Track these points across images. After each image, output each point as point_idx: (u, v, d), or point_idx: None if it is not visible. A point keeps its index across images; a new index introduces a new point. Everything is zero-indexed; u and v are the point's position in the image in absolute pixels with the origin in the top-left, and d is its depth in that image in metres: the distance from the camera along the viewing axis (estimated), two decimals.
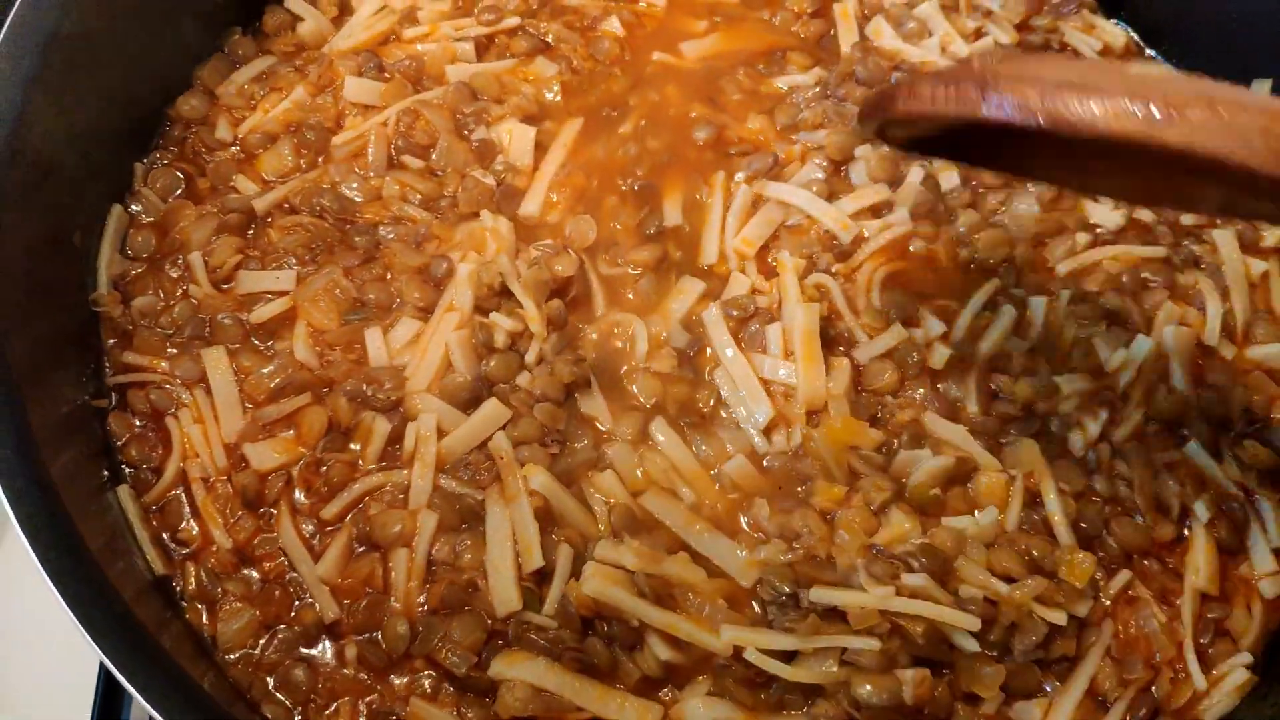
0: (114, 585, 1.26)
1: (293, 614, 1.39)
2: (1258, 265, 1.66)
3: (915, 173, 1.66)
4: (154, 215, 1.63)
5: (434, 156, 1.69)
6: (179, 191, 1.64)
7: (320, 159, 1.68)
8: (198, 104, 1.72)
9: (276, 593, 1.40)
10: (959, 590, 1.35)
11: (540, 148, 1.72)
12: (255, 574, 1.42)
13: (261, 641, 1.37)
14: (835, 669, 1.31)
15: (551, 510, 1.42)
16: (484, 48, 1.79)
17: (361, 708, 1.35)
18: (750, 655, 1.32)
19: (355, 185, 1.65)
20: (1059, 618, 1.36)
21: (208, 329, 1.55)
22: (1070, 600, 1.37)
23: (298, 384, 1.51)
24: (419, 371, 1.50)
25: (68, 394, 1.47)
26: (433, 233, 1.63)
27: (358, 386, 1.49)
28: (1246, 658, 1.41)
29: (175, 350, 1.54)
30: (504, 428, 1.46)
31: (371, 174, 1.67)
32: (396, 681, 1.36)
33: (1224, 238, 1.67)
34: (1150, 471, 1.48)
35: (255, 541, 1.44)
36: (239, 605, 1.39)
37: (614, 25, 1.83)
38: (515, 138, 1.71)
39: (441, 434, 1.46)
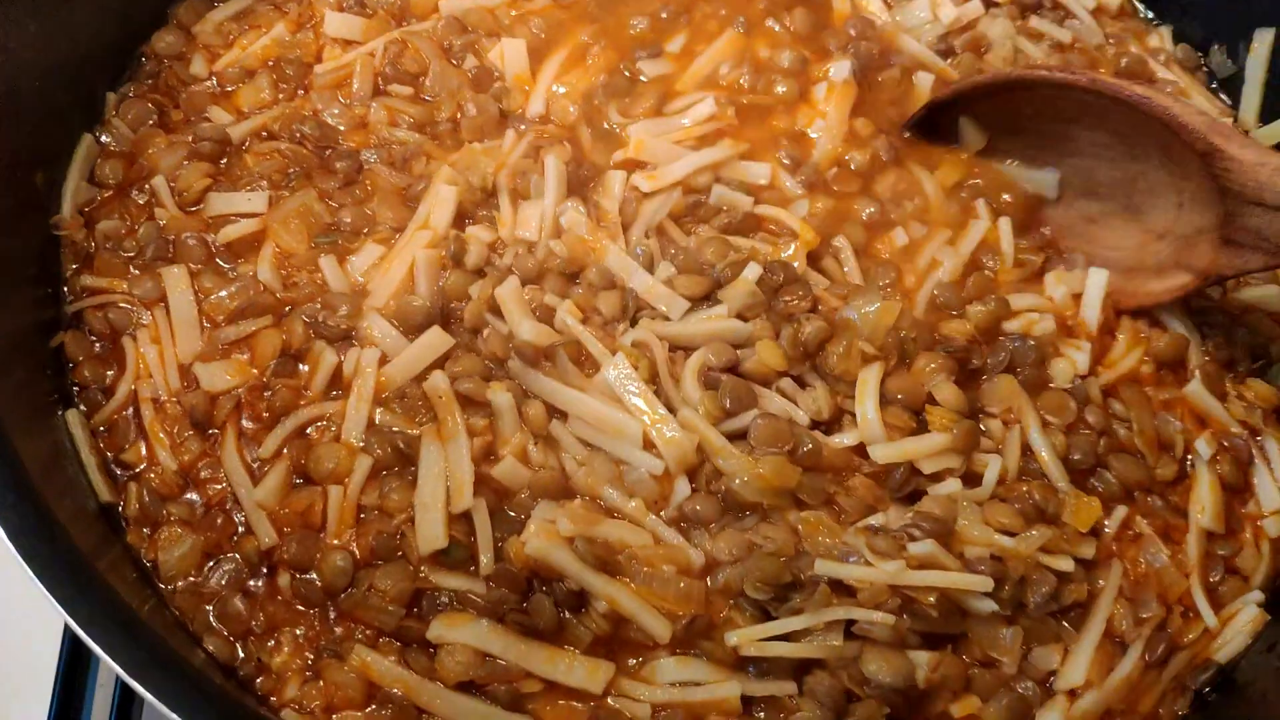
0: (53, 511, 1.13)
1: (234, 541, 1.27)
2: None
3: None
4: (123, 145, 1.49)
5: (427, 83, 1.56)
6: (151, 122, 1.51)
7: (300, 93, 1.55)
8: (173, 40, 1.58)
9: (219, 520, 1.27)
10: (964, 553, 1.23)
11: (536, 55, 1.60)
12: (198, 498, 1.29)
13: (205, 571, 1.24)
14: (840, 643, 1.17)
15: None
16: None
17: (304, 642, 1.22)
18: (750, 650, 1.18)
19: (338, 112, 1.53)
20: (1066, 564, 1.25)
21: (171, 250, 1.42)
22: (1074, 544, 1.27)
23: (259, 306, 1.37)
24: (378, 290, 1.38)
25: (20, 318, 1.34)
26: (424, 151, 1.49)
27: (314, 311, 1.36)
28: (1258, 595, 1.32)
29: (137, 272, 1.40)
30: (444, 365, 1.33)
31: (356, 103, 1.54)
32: (338, 630, 1.23)
33: None
34: (1150, 410, 1.38)
35: (199, 465, 1.31)
36: (180, 531, 1.26)
37: None
38: (508, 52, 1.59)
39: (385, 362, 1.33)
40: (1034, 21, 1.71)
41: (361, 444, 1.29)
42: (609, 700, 1.20)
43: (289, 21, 1.61)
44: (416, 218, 1.43)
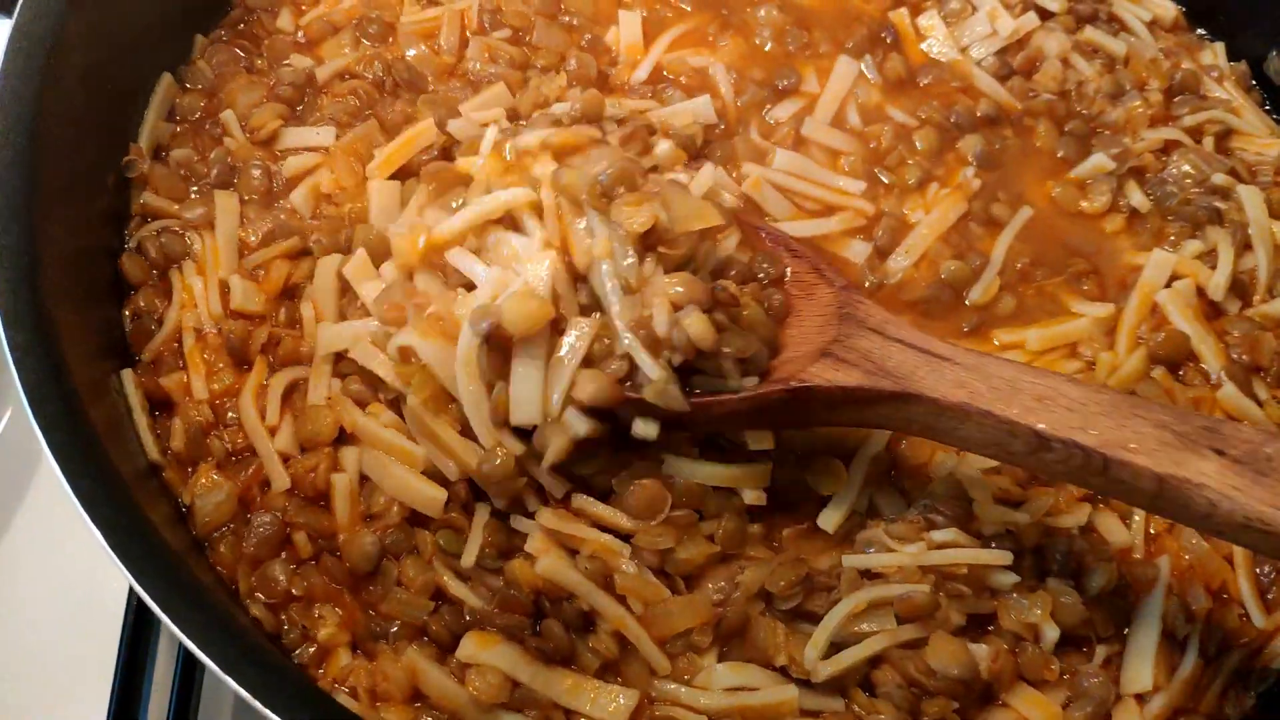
0: (121, 477, 0.99)
1: (264, 493, 1.09)
2: None
3: None
4: (205, 85, 1.33)
5: (534, 38, 1.39)
6: (235, 66, 1.35)
7: (383, 47, 1.38)
8: None
9: (250, 469, 1.10)
10: (981, 531, 1.09)
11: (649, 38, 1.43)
12: (226, 438, 1.11)
13: (242, 526, 1.07)
14: (895, 626, 1.02)
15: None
16: None
17: (344, 620, 1.04)
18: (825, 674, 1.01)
19: (426, 55, 1.36)
20: (1070, 522, 1.11)
21: (235, 178, 1.24)
22: (1071, 508, 1.13)
23: (285, 229, 1.20)
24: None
25: (88, 240, 1.19)
26: (509, 82, 1.32)
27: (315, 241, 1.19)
28: None
29: (196, 197, 1.24)
30: None
31: (445, 52, 1.37)
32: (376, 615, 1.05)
33: (1249, 194, 1.37)
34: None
35: (227, 404, 1.13)
36: (218, 478, 1.08)
37: None
38: (623, 23, 1.42)
39: None
40: (1089, 32, 1.51)
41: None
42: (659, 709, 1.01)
43: None
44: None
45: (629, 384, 1.00)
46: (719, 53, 1.45)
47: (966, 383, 0.96)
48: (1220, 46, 1.56)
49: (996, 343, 1.28)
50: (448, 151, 1.24)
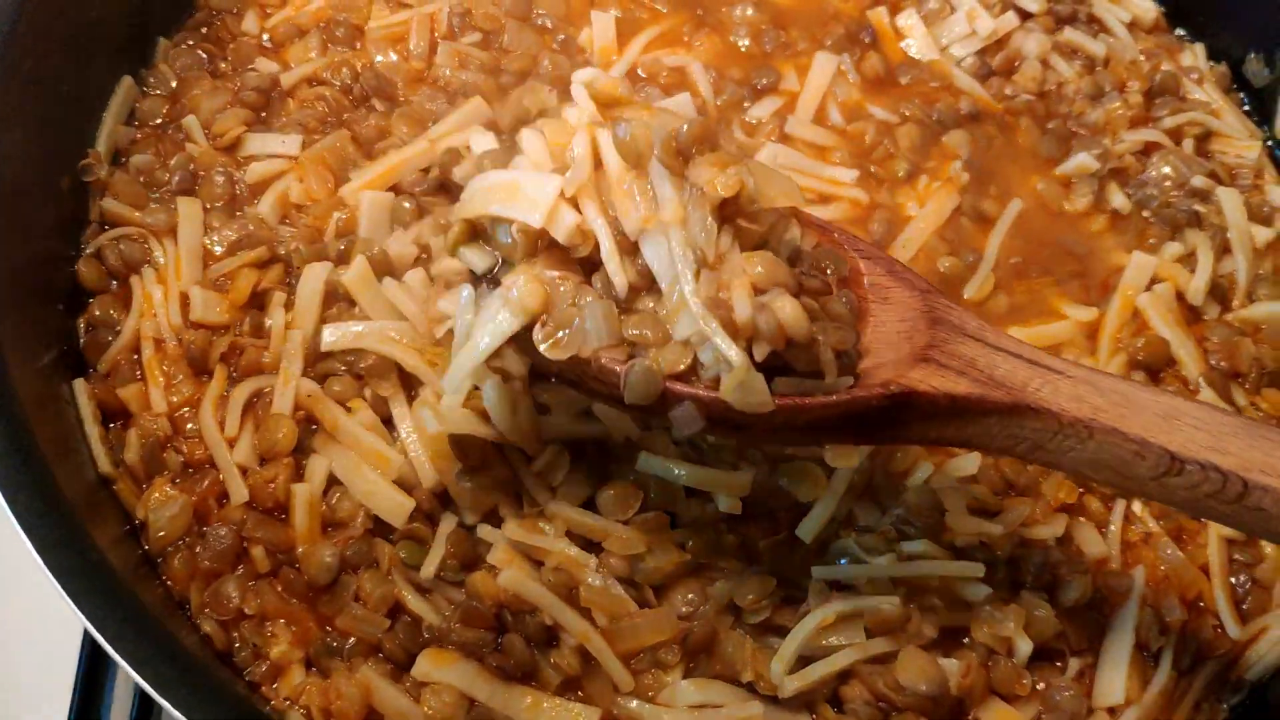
0: (58, 482, 0.95)
1: (221, 506, 1.07)
2: (1263, 233, 1.36)
3: None
4: (166, 90, 1.30)
5: (505, 40, 1.37)
6: (198, 69, 1.32)
7: (351, 53, 1.36)
8: None
9: (205, 481, 1.07)
10: (955, 542, 1.07)
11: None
12: (184, 450, 1.08)
13: (196, 539, 1.05)
14: (864, 639, 1.00)
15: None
16: None
17: (298, 636, 1.02)
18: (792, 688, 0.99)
19: (395, 61, 1.34)
20: (1046, 533, 1.10)
21: (197, 184, 1.22)
22: (1048, 519, 1.12)
23: (252, 239, 1.17)
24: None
25: (42, 248, 1.16)
26: (481, 90, 1.30)
27: (289, 250, 1.16)
28: None
29: (156, 204, 1.21)
30: None
31: (414, 58, 1.34)
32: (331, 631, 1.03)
33: (1229, 196, 1.36)
34: None
35: (185, 415, 1.10)
36: (172, 491, 1.05)
37: None
38: (596, 25, 1.40)
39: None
40: (1068, 33, 1.50)
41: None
42: None
43: None
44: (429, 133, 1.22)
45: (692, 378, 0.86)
46: (695, 51, 1.44)
47: (1084, 397, 0.86)
48: (1200, 48, 1.55)
49: None
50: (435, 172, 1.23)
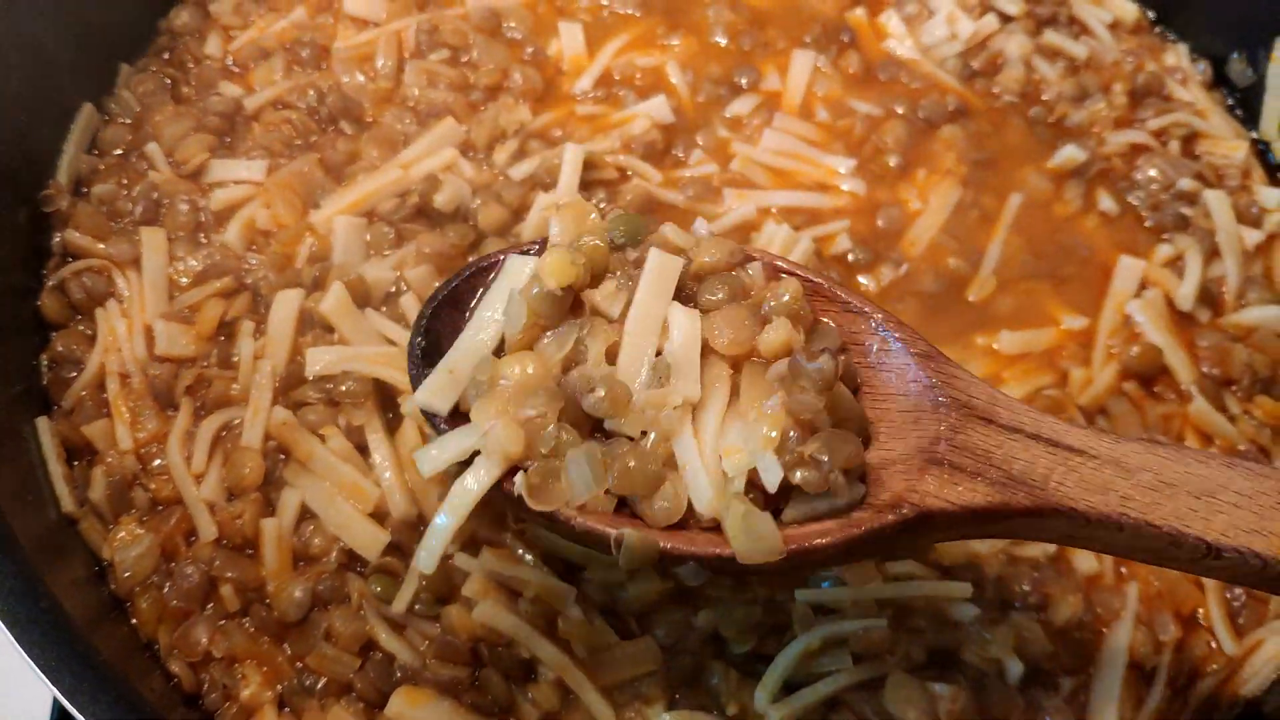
0: (12, 530, 0.95)
1: (190, 543, 1.06)
2: (1252, 235, 1.35)
3: None
4: (129, 115, 1.29)
5: (474, 55, 1.36)
6: (161, 95, 1.31)
7: (318, 71, 1.35)
8: (190, 18, 1.39)
9: (172, 518, 1.06)
10: (942, 562, 1.06)
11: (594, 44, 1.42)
12: (152, 487, 1.07)
13: (163, 578, 1.03)
14: (851, 665, 0.98)
15: None
16: None
17: (268, 676, 1.00)
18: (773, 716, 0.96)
19: (362, 83, 1.33)
20: (1039, 551, 1.08)
21: (161, 214, 1.21)
22: None
23: (219, 269, 1.17)
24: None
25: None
26: (451, 109, 1.30)
27: (257, 279, 1.16)
28: None
29: (120, 233, 1.20)
30: None
31: (381, 78, 1.33)
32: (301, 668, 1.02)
33: (1216, 199, 1.35)
34: (1137, 425, 1.19)
35: (152, 451, 1.09)
36: (139, 531, 1.04)
37: None
38: (565, 35, 1.40)
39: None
40: (1049, 36, 1.49)
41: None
42: None
43: (308, 6, 1.41)
44: (398, 158, 1.23)
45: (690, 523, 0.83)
46: (671, 52, 1.44)
47: (1111, 484, 0.80)
48: (1183, 48, 1.54)
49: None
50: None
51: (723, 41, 1.46)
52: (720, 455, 0.81)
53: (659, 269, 0.86)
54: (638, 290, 0.85)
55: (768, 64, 1.44)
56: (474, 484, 0.82)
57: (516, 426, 0.81)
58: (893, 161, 1.36)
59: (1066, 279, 1.32)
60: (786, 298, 0.86)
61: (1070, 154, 1.39)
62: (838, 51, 1.48)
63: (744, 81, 1.42)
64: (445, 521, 0.83)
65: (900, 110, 1.41)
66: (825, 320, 0.91)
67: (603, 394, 0.80)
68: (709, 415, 0.83)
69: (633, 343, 0.84)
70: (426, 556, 0.84)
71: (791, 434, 0.81)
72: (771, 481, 0.79)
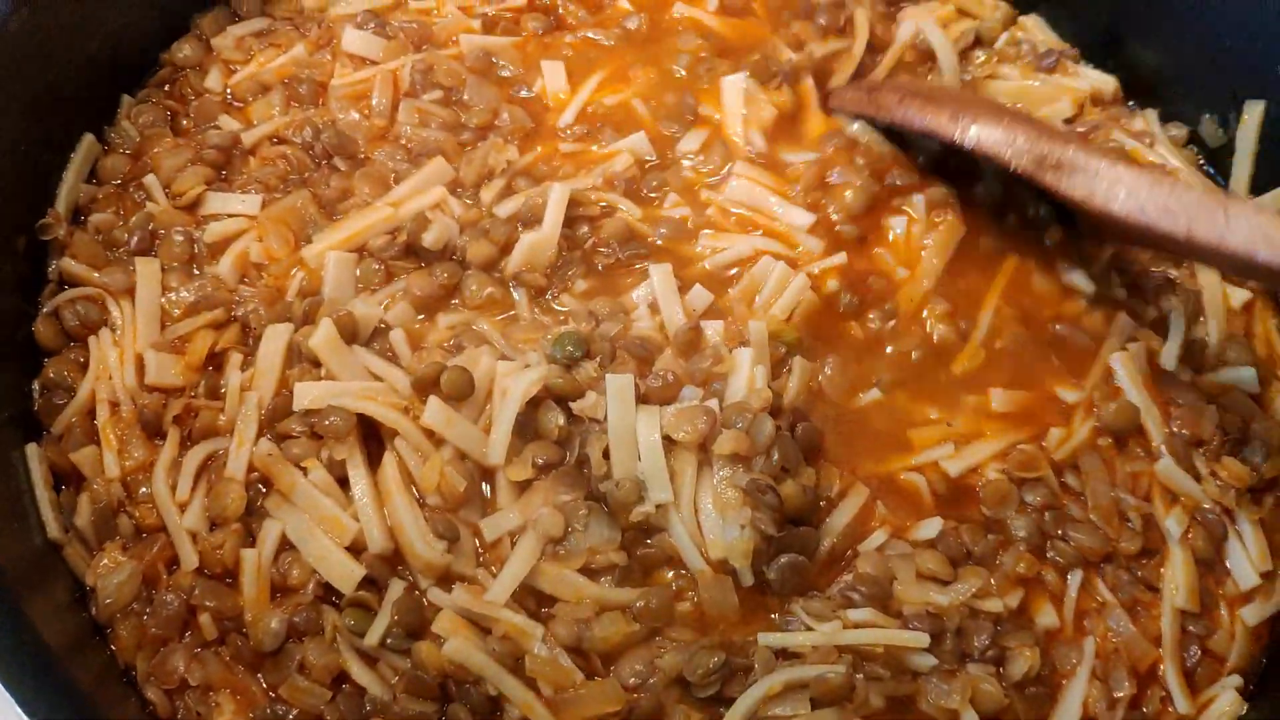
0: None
1: (171, 572, 1.09)
2: (1238, 294, 1.38)
3: None
4: (129, 146, 1.33)
5: (465, 96, 1.38)
6: (160, 126, 1.35)
7: (315, 107, 1.39)
8: (192, 51, 1.42)
9: (155, 546, 1.09)
10: (902, 610, 1.10)
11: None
12: (137, 515, 1.10)
13: (144, 606, 1.06)
14: (808, 711, 1.02)
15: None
16: (491, 26, 1.49)
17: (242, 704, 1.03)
18: None
19: (356, 120, 1.36)
20: (996, 605, 1.11)
21: (156, 244, 1.24)
22: (1004, 589, 1.13)
23: (210, 300, 1.19)
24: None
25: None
26: (443, 149, 1.32)
27: (247, 311, 1.19)
28: (1236, 680, 1.14)
29: (115, 262, 1.23)
30: None
31: (375, 115, 1.36)
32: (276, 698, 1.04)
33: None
34: (1107, 482, 1.22)
35: (138, 479, 1.12)
36: (121, 558, 1.07)
37: None
38: (547, 72, 1.43)
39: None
40: None
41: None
42: None
43: (309, 43, 1.44)
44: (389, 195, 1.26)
45: None
46: (633, 86, 1.45)
47: None
48: (1152, 114, 1.56)
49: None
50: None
51: (682, 72, 1.48)
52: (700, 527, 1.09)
53: (618, 391, 1.11)
54: (609, 410, 1.10)
55: (708, 94, 1.45)
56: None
57: (559, 513, 1.09)
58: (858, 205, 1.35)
59: (1056, 353, 1.34)
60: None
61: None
62: (778, 84, 1.46)
63: (690, 116, 1.43)
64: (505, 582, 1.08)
65: (860, 184, 1.38)
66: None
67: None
68: (684, 501, 1.10)
69: (618, 447, 1.10)
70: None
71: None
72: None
